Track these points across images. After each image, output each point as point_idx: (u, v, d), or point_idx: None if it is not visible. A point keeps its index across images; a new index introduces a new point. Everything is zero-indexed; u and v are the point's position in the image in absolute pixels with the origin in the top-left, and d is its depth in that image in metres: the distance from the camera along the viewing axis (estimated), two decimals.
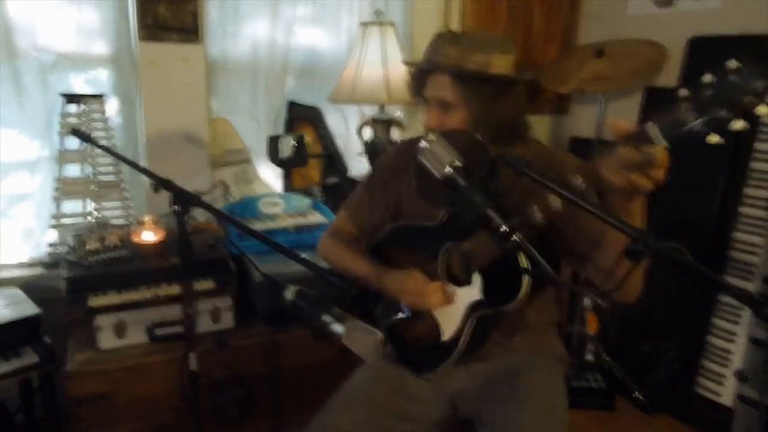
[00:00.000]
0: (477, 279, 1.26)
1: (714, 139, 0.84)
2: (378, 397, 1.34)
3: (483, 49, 1.28)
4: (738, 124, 0.82)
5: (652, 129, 0.89)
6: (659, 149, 0.90)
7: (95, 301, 1.78)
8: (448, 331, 1.32)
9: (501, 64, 1.29)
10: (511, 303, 1.20)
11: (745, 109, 0.80)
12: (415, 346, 1.40)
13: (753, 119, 0.81)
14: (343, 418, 1.29)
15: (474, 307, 1.27)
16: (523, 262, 1.15)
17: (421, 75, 1.35)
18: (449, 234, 1.30)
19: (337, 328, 1.01)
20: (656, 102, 2.58)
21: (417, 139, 1.28)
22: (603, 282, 1.15)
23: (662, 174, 0.93)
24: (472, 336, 1.28)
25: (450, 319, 1.31)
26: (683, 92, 0.86)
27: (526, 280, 1.18)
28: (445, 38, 1.33)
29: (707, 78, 0.83)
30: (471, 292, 1.27)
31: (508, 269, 1.17)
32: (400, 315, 1.39)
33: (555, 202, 1.05)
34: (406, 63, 1.48)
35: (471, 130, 1.29)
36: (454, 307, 1.30)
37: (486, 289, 1.25)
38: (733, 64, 0.81)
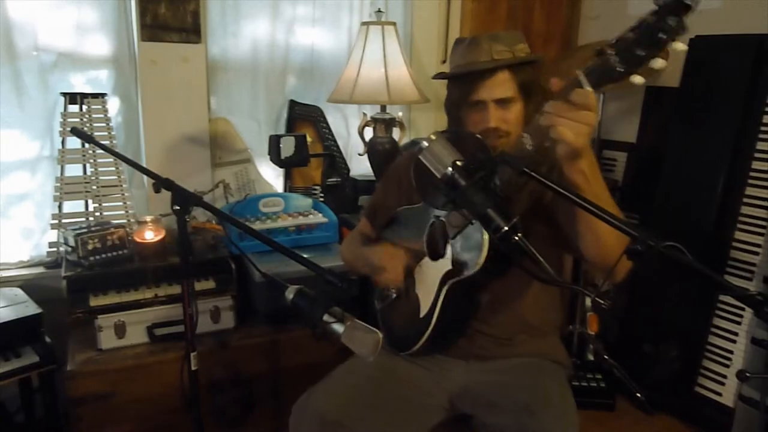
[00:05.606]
0: (449, 249, 1.28)
1: (637, 79, 0.87)
2: (375, 377, 1.35)
3: (517, 40, 1.34)
4: (657, 63, 0.84)
5: (580, 76, 0.93)
6: (586, 90, 0.93)
7: (95, 301, 1.78)
8: (425, 306, 1.34)
9: (529, 49, 1.36)
10: (474, 269, 1.20)
11: (660, 46, 0.83)
12: (401, 325, 1.42)
13: (671, 56, 0.84)
14: (333, 396, 1.29)
15: (445, 278, 1.29)
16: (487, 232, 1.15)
17: (473, 78, 1.32)
18: (433, 211, 1.33)
19: (337, 327, 1.01)
20: (657, 102, 2.58)
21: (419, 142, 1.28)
22: (594, 269, 1.16)
23: (592, 117, 0.95)
24: (444, 309, 1.29)
25: (428, 293, 1.33)
26: (613, 40, 0.89)
27: (486, 246, 1.18)
28: (483, 39, 1.34)
29: (634, 24, 0.87)
30: (445, 263, 1.29)
31: (472, 233, 1.19)
32: (390, 297, 1.43)
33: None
34: (456, 71, 1.38)
35: (528, 119, 1.32)
36: (432, 281, 1.31)
37: (454, 256, 1.27)
38: (653, 6, 0.84)
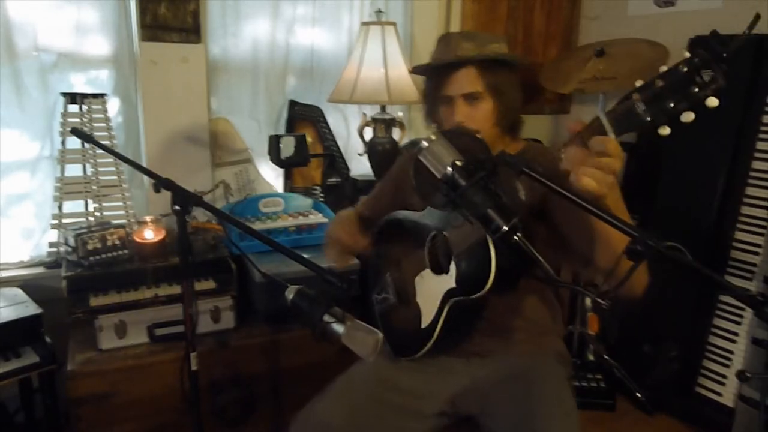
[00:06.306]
0: (453, 267, 1.28)
1: (664, 131, 0.83)
2: (375, 388, 1.35)
3: (492, 40, 1.36)
4: (687, 117, 0.81)
5: (604, 121, 0.89)
6: (610, 140, 0.89)
7: (96, 301, 1.78)
8: (426, 318, 1.34)
9: (507, 51, 1.38)
10: (479, 292, 1.20)
11: (693, 100, 0.80)
12: (401, 331, 1.42)
13: (703, 111, 0.80)
14: (338, 406, 1.30)
15: (448, 295, 1.29)
16: (493, 253, 1.16)
17: (442, 73, 1.35)
18: (435, 222, 1.33)
19: (337, 328, 1.01)
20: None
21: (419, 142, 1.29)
22: (606, 281, 1.15)
23: (617, 164, 0.91)
24: (446, 323, 1.30)
25: (429, 305, 1.33)
26: (638, 83, 0.85)
27: (493, 270, 1.17)
28: (453, 37, 1.38)
29: (662, 69, 0.83)
30: (448, 280, 1.29)
31: (480, 258, 1.19)
32: (390, 302, 1.43)
33: (521, 192, 1.06)
34: (423, 66, 1.43)
35: (498, 118, 1.35)
36: (434, 295, 1.32)
37: (459, 276, 1.26)
38: (686, 54, 0.81)
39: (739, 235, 2.17)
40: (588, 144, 0.90)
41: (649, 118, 0.83)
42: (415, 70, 1.48)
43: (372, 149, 2.43)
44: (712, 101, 0.79)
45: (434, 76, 1.39)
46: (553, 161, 0.97)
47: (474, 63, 1.32)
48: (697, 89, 0.79)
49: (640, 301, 1.14)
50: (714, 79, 0.78)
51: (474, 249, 1.20)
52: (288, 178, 2.52)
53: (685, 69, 0.80)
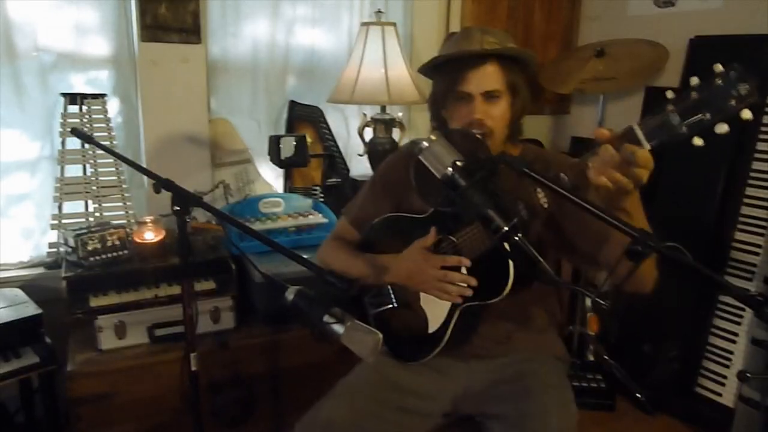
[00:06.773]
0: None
1: (698, 141, 0.85)
2: (378, 389, 1.35)
3: (508, 38, 1.33)
4: (722, 128, 0.82)
5: (638, 131, 0.90)
6: (642, 150, 0.90)
7: (95, 302, 1.78)
8: (434, 323, 1.34)
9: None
10: (497, 297, 1.21)
11: (729, 113, 0.81)
12: (402, 335, 1.42)
13: (737, 123, 0.82)
14: (341, 408, 1.30)
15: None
16: (511, 259, 1.17)
17: (461, 68, 1.29)
18: (439, 225, 1.32)
19: (337, 328, 1.01)
20: (656, 102, 2.58)
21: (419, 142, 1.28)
22: (611, 277, 1.15)
23: (644, 174, 0.92)
24: (456, 329, 1.30)
25: (436, 311, 1.33)
26: (670, 94, 0.87)
27: (511, 275, 1.18)
28: (474, 30, 1.33)
29: (694, 81, 0.84)
30: None
31: (495, 264, 1.19)
32: (388, 305, 1.42)
33: (542, 200, 1.06)
34: (443, 57, 1.35)
35: (511, 119, 1.33)
36: (440, 301, 1.31)
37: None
38: (718, 67, 0.82)
39: (739, 236, 2.17)
40: (621, 148, 0.91)
41: (684, 130, 0.85)
42: (433, 62, 1.37)
43: (372, 149, 2.43)
44: (747, 113, 0.81)
45: (452, 70, 1.30)
46: (575, 169, 0.97)
47: (497, 59, 1.28)
48: (733, 102, 0.81)
49: (650, 295, 1.15)
50: (750, 93, 0.80)
51: (488, 255, 1.20)
52: (288, 178, 2.52)
53: (721, 82, 0.82)
